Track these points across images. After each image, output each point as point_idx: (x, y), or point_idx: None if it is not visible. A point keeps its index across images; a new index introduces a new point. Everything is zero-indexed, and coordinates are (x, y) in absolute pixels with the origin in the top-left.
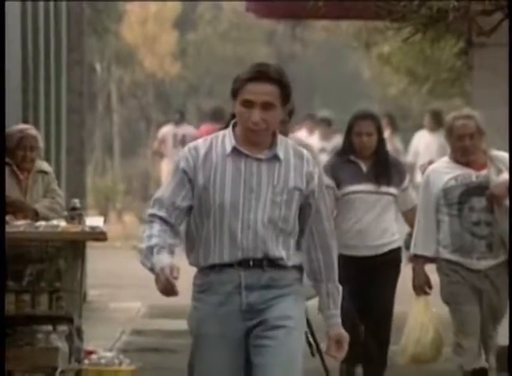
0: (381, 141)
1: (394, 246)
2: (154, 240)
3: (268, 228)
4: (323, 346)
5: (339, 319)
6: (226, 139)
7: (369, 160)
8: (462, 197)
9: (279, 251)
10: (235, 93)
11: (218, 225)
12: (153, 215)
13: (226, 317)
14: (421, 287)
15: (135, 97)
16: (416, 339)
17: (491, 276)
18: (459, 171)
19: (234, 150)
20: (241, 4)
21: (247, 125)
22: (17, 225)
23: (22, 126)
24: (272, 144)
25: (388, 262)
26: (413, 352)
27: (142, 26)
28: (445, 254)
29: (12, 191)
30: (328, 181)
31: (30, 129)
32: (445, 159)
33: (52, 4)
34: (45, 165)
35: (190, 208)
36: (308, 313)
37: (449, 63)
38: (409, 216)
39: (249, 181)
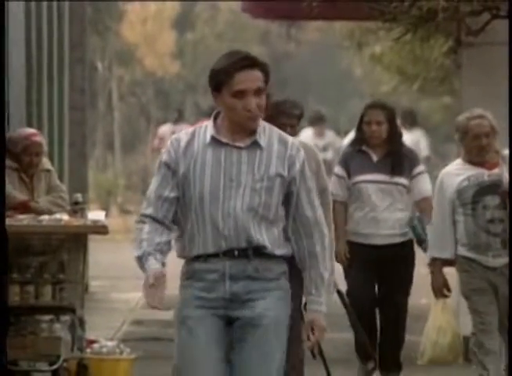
0: (393, 131)
1: (407, 237)
2: (142, 248)
3: (248, 215)
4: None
5: (319, 307)
6: (207, 129)
7: (380, 149)
8: (475, 197)
9: (262, 238)
10: (219, 86)
11: (199, 216)
12: (142, 215)
13: (210, 303)
14: (440, 289)
15: (135, 95)
16: (434, 342)
17: (506, 273)
18: (471, 171)
19: (213, 139)
20: (237, 4)
21: (244, 115)
22: (21, 218)
23: (28, 132)
24: (254, 131)
25: (401, 254)
26: (432, 354)
27: (142, 25)
28: (463, 252)
29: (20, 193)
30: (340, 171)
31: (35, 136)
32: (458, 161)
33: (55, 4)
34: (47, 164)
35: (177, 200)
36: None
37: (439, 62)
38: (421, 205)
39: (229, 170)
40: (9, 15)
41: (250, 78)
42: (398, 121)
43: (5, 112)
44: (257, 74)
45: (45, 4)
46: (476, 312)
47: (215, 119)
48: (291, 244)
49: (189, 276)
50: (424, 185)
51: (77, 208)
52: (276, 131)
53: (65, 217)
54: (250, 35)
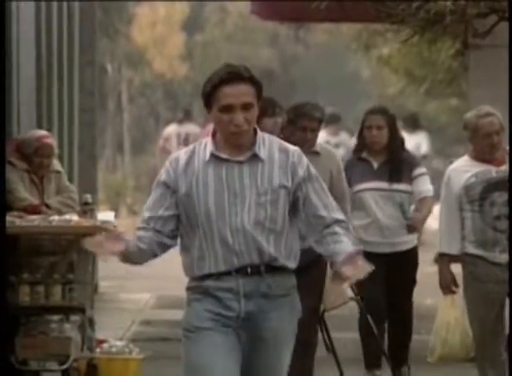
0: (394, 137)
1: (411, 245)
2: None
3: (256, 230)
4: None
5: (348, 245)
6: (207, 146)
7: (380, 156)
8: (483, 193)
9: (273, 251)
10: (208, 99)
11: (208, 233)
12: (137, 229)
13: (223, 319)
14: (447, 286)
15: (145, 97)
16: (444, 339)
17: None
18: (478, 168)
19: (213, 156)
20: (246, 7)
21: (231, 130)
22: (31, 219)
23: (39, 134)
24: (253, 144)
25: (406, 261)
26: (441, 352)
27: (151, 28)
28: (470, 248)
29: (31, 194)
30: None
31: (46, 138)
32: (465, 158)
33: (65, 7)
34: (57, 165)
35: (176, 217)
36: (324, 316)
37: (446, 64)
38: (419, 204)
39: (232, 185)
40: (19, 18)
41: (237, 93)
42: (400, 125)
43: (5, 113)
44: (244, 89)
45: (55, 7)
46: (475, 320)
47: (214, 135)
48: (311, 242)
49: (200, 291)
50: (424, 185)
51: (86, 209)
52: (277, 140)
53: (75, 218)
54: (259, 37)
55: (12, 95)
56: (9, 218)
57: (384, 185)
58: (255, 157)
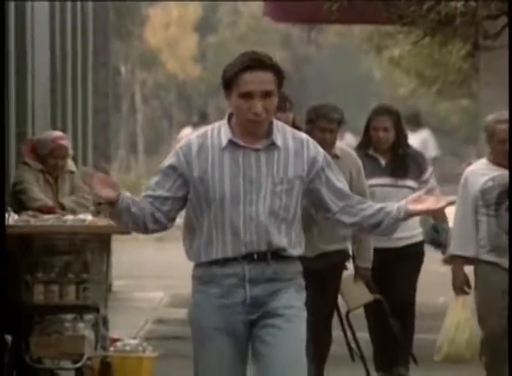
0: (400, 135)
1: (414, 240)
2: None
3: (269, 219)
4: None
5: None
6: (222, 131)
7: (387, 154)
8: (499, 198)
9: (281, 240)
10: (229, 84)
11: (219, 219)
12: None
13: (229, 310)
14: (460, 287)
15: (158, 98)
16: (452, 338)
17: None
18: (496, 172)
19: (230, 142)
20: (259, 8)
21: (248, 117)
22: (46, 218)
23: (54, 135)
24: (270, 132)
25: (409, 257)
26: (448, 351)
27: (164, 30)
28: (482, 254)
29: (46, 194)
30: None
31: (61, 139)
32: (483, 160)
33: (78, 10)
34: (71, 165)
35: (174, 200)
36: (349, 319)
37: (457, 66)
38: None
39: (248, 173)
40: (33, 20)
41: (257, 80)
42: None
43: (5, 113)
44: (265, 76)
45: (69, 10)
46: (484, 326)
47: (229, 121)
48: (351, 220)
49: (205, 280)
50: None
51: (100, 209)
52: (289, 129)
53: (89, 217)
54: (272, 39)
55: (26, 96)
56: (23, 217)
57: (391, 181)
58: (272, 146)
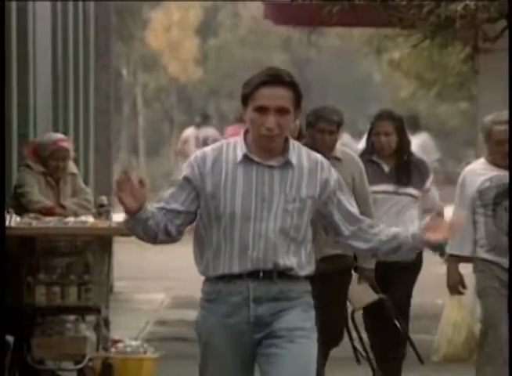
0: (402, 141)
1: None
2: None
3: (279, 237)
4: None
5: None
6: (238, 146)
7: (391, 160)
8: (497, 198)
9: (289, 260)
10: (246, 99)
11: (228, 235)
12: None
13: (234, 328)
14: (455, 286)
15: (159, 100)
16: (449, 339)
17: None
18: (494, 172)
19: (245, 157)
20: (259, 11)
21: (261, 132)
22: (47, 220)
23: (55, 137)
24: (285, 150)
25: (407, 264)
26: (446, 351)
27: (165, 32)
28: (481, 253)
29: (47, 196)
30: None
31: (63, 141)
32: (481, 160)
33: (80, 12)
34: (72, 167)
35: (187, 215)
36: (354, 319)
37: (456, 68)
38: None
39: (261, 190)
40: (35, 22)
41: (274, 95)
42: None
43: (5, 114)
44: (282, 92)
45: (71, 12)
46: (487, 310)
47: (245, 136)
48: (362, 246)
49: (212, 297)
50: (432, 196)
51: (102, 211)
52: (305, 149)
53: (90, 219)
54: (272, 41)
55: (28, 98)
56: (25, 219)
57: (394, 188)
58: (287, 164)
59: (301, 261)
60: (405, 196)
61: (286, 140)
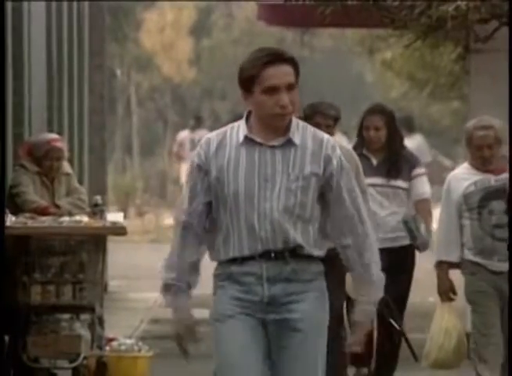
0: (393, 135)
1: (407, 241)
2: (172, 274)
3: (284, 216)
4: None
5: (369, 307)
6: (240, 129)
7: (380, 153)
8: (482, 201)
9: (299, 239)
10: (250, 83)
11: (234, 217)
12: (177, 223)
13: (247, 304)
14: (446, 293)
15: (153, 100)
16: (440, 345)
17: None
18: (478, 176)
19: (246, 139)
20: (252, 12)
21: (275, 111)
22: (42, 220)
23: (50, 137)
24: (287, 129)
25: (404, 257)
26: (436, 357)
27: (159, 33)
28: (469, 255)
29: (42, 196)
30: None
31: (57, 141)
32: (465, 165)
33: (75, 13)
34: (67, 167)
35: (210, 203)
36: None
37: (448, 68)
38: (419, 207)
39: (263, 170)
40: (30, 23)
41: (281, 73)
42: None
43: (5, 114)
44: (287, 69)
45: (65, 13)
46: (478, 313)
47: (247, 119)
48: (334, 241)
49: (224, 277)
50: (423, 186)
51: (96, 210)
52: (310, 128)
53: (85, 218)
54: (265, 42)
55: (23, 98)
56: (21, 219)
57: (382, 181)
58: (289, 143)
59: (310, 239)
60: (393, 188)
61: (290, 119)
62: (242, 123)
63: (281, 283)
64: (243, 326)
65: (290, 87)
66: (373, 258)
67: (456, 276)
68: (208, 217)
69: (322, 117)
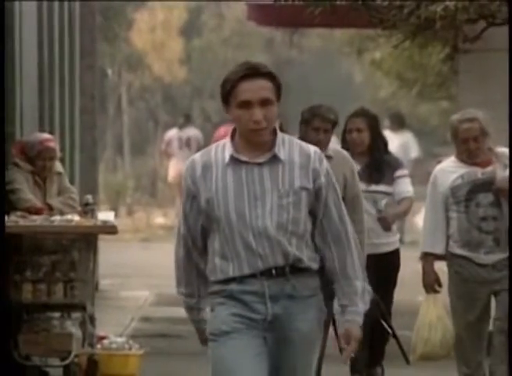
0: (376, 139)
1: (392, 247)
2: (190, 291)
3: (278, 233)
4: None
5: (355, 317)
6: (226, 147)
7: (363, 158)
8: (469, 194)
9: (296, 252)
10: (227, 97)
11: (229, 237)
12: (179, 235)
13: (249, 321)
14: (431, 285)
15: (144, 100)
16: (426, 338)
17: (499, 267)
18: (465, 169)
19: (232, 158)
20: (242, 12)
21: (249, 127)
22: (34, 219)
23: (42, 137)
24: (272, 145)
25: (388, 263)
26: (422, 351)
27: (150, 33)
28: (455, 248)
29: (35, 195)
30: None
31: (49, 141)
32: (452, 158)
33: (66, 13)
34: (58, 167)
35: (204, 230)
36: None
37: (436, 68)
38: (400, 204)
39: (252, 188)
40: (21, 23)
41: (255, 87)
42: (386, 125)
43: (5, 114)
44: (263, 84)
45: (56, 13)
46: (457, 316)
47: (232, 137)
48: (319, 253)
49: (224, 295)
50: (405, 186)
51: (87, 209)
52: (297, 142)
53: (76, 217)
54: (255, 42)
55: (15, 97)
56: (12, 217)
57: (365, 186)
58: (275, 159)
59: (305, 253)
60: (376, 193)
61: (275, 134)
62: (227, 142)
63: (283, 301)
64: (246, 340)
65: (264, 102)
66: (357, 273)
67: (442, 270)
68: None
69: (321, 120)
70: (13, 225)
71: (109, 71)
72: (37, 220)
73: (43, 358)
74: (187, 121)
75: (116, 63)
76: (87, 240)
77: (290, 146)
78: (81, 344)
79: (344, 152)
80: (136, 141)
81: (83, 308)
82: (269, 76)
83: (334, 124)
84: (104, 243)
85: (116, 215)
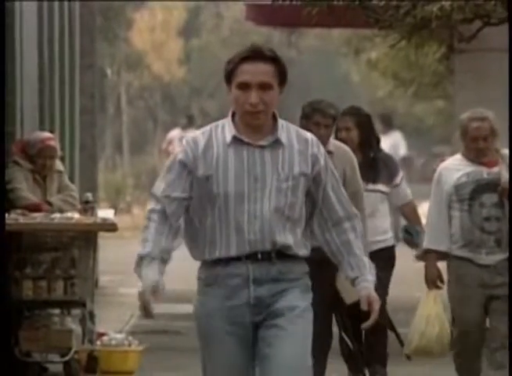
0: (367, 137)
1: (387, 244)
2: (147, 248)
3: (274, 216)
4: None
5: (368, 284)
6: (226, 128)
7: (356, 156)
8: (473, 193)
9: (286, 238)
10: (229, 77)
11: (223, 217)
12: (151, 211)
13: (234, 312)
14: (433, 281)
15: (143, 99)
16: (422, 332)
17: (500, 269)
18: (470, 168)
19: (234, 138)
20: (241, 12)
21: (245, 108)
22: (34, 216)
23: (43, 136)
24: (274, 129)
25: (381, 262)
26: (417, 344)
27: (150, 33)
28: (455, 250)
29: (34, 193)
30: None
31: (50, 140)
32: (458, 156)
33: (66, 13)
34: (59, 165)
35: (188, 200)
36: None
37: (432, 68)
38: (405, 210)
39: (253, 170)
40: (22, 23)
41: (255, 70)
42: (378, 125)
43: (5, 114)
44: (264, 68)
45: (56, 13)
46: (458, 320)
47: (233, 117)
48: (320, 239)
49: (210, 282)
50: (404, 190)
51: (87, 207)
52: (294, 127)
53: (76, 215)
54: (253, 42)
55: (15, 97)
56: (12, 215)
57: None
58: (277, 143)
59: (297, 239)
60: (374, 192)
61: (275, 118)
62: (227, 122)
63: (267, 284)
64: (230, 342)
65: (263, 86)
66: (363, 251)
67: (444, 267)
68: (184, 216)
69: (321, 116)
70: (13, 223)
71: (109, 71)
72: (38, 218)
73: (43, 354)
74: (190, 121)
75: (115, 63)
76: (87, 237)
77: (288, 131)
78: (80, 340)
79: (346, 147)
80: (135, 140)
81: (83, 304)
82: (273, 60)
83: (335, 119)
84: (104, 240)
85: (115, 213)
